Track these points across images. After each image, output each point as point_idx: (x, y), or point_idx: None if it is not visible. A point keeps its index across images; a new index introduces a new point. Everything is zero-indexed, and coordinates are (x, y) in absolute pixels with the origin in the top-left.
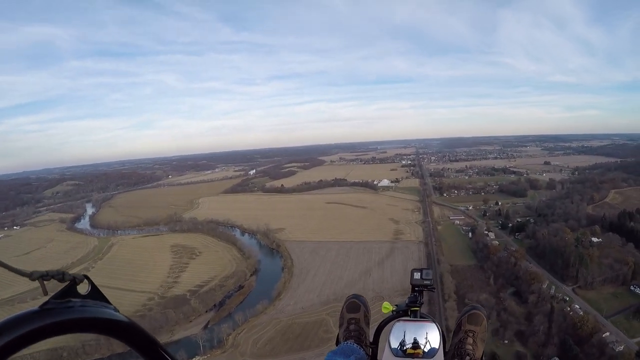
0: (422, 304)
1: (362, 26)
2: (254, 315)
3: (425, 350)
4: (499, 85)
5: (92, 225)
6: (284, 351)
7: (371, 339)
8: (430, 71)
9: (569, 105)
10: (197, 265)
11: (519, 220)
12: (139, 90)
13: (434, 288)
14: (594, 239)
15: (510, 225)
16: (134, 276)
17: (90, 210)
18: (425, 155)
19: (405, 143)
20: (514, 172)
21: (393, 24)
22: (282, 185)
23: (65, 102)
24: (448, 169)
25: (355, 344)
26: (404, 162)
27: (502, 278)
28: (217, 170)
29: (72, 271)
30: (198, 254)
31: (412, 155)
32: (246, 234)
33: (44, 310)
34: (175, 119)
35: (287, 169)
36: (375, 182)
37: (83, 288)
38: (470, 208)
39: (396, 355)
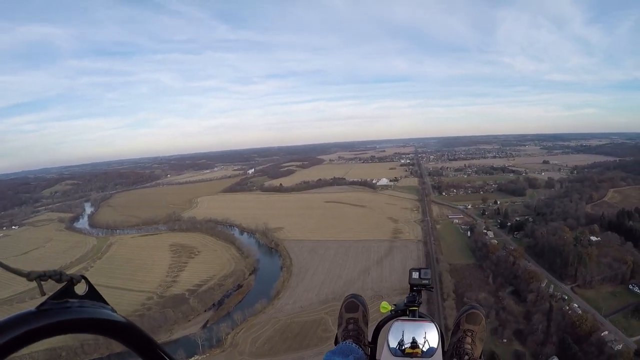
0: (421, 303)
1: (361, 25)
2: (252, 314)
3: (424, 349)
4: (498, 84)
5: (91, 225)
6: (283, 350)
7: (370, 339)
8: (429, 70)
9: (567, 104)
10: (195, 265)
11: (518, 219)
12: (135, 89)
13: (433, 287)
14: (593, 238)
15: (509, 224)
16: (132, 275)
17: (88, 209)
18: (424, 154)
19: (404, 142)
20: (513, 171)
21: (392, 23)
22: (280, 184)
23: (62, 101)
24: (447, 168)
25: (354, 344)
26: (402, 161)
27: (501, 277)
28: (215, 169)
29: (71, 271)
30: (197, 253)
31: (411, 154)
32: (245, 233)
33: (41, 310)
34: (172, 118)
35: (286, 168)
36: (374, 181)
37: (80, 288)
38: (469, 207)
39: (395, 355)
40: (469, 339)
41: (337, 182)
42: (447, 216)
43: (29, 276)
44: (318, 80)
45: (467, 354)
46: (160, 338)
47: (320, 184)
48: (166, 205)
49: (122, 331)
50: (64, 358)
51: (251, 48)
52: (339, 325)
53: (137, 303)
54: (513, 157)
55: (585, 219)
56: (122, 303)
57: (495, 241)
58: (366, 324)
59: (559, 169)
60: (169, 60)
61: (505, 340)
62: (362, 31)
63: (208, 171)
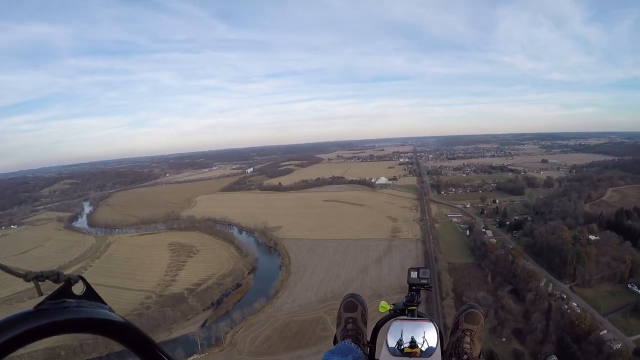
0: (420, 302)
1: (360, 23)
2: (251, 313)
3: (423, 349)
4: (497, 83)
5: (90, 224)
6: (282, 349)
7: (369, 338)
8: (427, 69)
9: (566, 103)
10: (194, 264)
11: (517, 218)
12: (134, 88)
13: (431, 287)
14: (592, 237)
15: (507, 223)
16: (131, 275)
17: (87, 208)
18: (422, 153)
19: (403, 141)
20: (512, 170)
21: (391, 22)
22: (279, 183)
23: (61, 100)
24: (446, 166)
25: (352, 344)
26: (401, 160)
27: (500, 276)
28: (214, 168)
29: (70, 270)
30: (196, 252)
31: (409, 153)
32: (244, 232)
33: (38, 310)
34: (171, 117)
35: (285, 167)
36: (373, 180)
37: (78, 289)
38: (468, 206)
39: (394, 355)
40: (467, 339)
41: (335, 181)
42: (446, 215)
43: (26, 277)
44: (317, 79)
45: (466, 353)
46: (159, 337)
47: (319, 182)
48: (165, 204)
49: (120, 331)
50: (63, 357)
51: (250, 47)
52: (338, 324)
53: (136, 302)
54: (512, 156)
55: (584, 218)
56: (120, 302)
57: (494, 240)
58: (365, 323)
59: (558, 168)
60: (168, 59)
61: (504, 339)
62: (361, 30)
63: (207, 170)
